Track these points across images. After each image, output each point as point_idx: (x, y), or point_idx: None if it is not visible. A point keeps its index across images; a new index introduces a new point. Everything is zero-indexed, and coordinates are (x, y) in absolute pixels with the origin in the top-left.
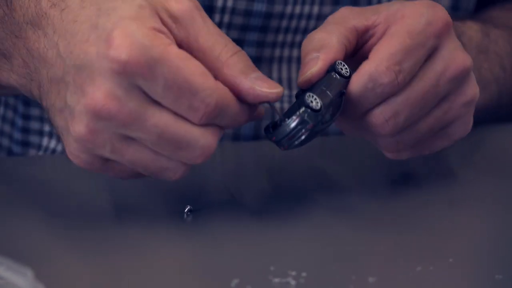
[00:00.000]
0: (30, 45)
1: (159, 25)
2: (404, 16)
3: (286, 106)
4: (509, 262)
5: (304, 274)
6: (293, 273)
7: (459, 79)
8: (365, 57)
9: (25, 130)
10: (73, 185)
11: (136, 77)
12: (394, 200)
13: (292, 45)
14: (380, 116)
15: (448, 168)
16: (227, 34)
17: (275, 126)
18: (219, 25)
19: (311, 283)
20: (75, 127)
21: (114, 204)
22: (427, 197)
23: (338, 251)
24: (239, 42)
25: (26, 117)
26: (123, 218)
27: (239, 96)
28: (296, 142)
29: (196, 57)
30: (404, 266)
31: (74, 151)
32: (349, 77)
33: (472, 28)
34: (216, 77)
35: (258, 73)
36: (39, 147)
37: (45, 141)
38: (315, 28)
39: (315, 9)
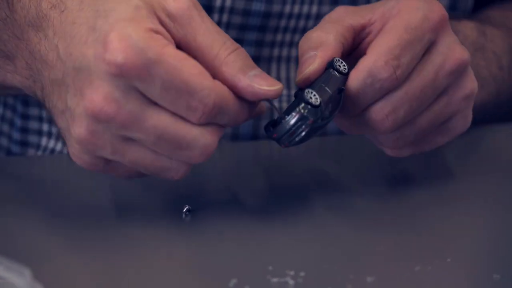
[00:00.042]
0: (32, 47)
1: (156, 25)
2: (400, 11)
3: (284, 105)
4: (507, 261)
5: (302, 273)
6: (292, 272)
7: (457, 73)
8: (362, 55)
9: (24, 130)
10: (72, 185)
11: (133, 79)
12: (393, 200)
13: (290, 44)
14: (379, 111)
15: (447, 168)
16: None
17: (275, 123)
18: (218, 24)
19: (309, 283)
20: (75, 129)
21: (112, 204)
22: (426, 197)
23: (336, 251)
24: (237, 41)
25: (25, 117)
26: (122, 217)
27: (238, 94)
28: (297, 139)
29: (194, 55)
30: (402, 265)
31: (76, 153)
32: (347, 74)
33: (467, 27)
34: (215, 75)
35: (257, 71)
36: (38, 147)
37: (44, 141)
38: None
39: (314, 8)
